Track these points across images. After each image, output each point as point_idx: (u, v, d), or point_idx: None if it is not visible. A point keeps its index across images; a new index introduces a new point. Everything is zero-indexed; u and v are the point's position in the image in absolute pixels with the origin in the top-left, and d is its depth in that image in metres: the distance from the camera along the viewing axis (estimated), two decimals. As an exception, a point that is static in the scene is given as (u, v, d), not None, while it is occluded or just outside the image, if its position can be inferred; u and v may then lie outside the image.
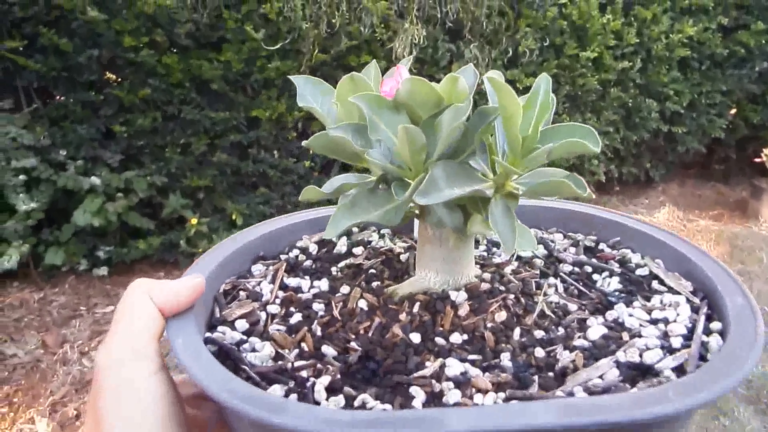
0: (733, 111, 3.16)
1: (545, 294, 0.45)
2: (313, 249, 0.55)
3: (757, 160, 3.22)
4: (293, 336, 0.41)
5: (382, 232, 0.58)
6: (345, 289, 0.47)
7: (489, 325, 0.42)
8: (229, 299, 0.46)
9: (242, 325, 0.42)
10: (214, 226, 2.29)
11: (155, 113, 2.15)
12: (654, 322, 0.43)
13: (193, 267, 0.46)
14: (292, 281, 0.49)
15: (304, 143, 0.43)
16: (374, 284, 0.47)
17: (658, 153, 3.19)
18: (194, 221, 2.21)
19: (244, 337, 0.41)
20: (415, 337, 0.41)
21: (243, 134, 2.30)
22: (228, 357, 0.37)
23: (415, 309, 0.43)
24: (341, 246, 0.55)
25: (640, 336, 0.41)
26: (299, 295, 0.47)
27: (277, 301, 0.46)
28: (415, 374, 0.37)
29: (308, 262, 0.53)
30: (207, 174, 2.28)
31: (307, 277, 0.49)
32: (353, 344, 0.40)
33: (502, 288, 0.46)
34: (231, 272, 0.49)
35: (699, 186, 3.35)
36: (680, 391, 0.31)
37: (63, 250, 2.01)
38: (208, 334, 0.40)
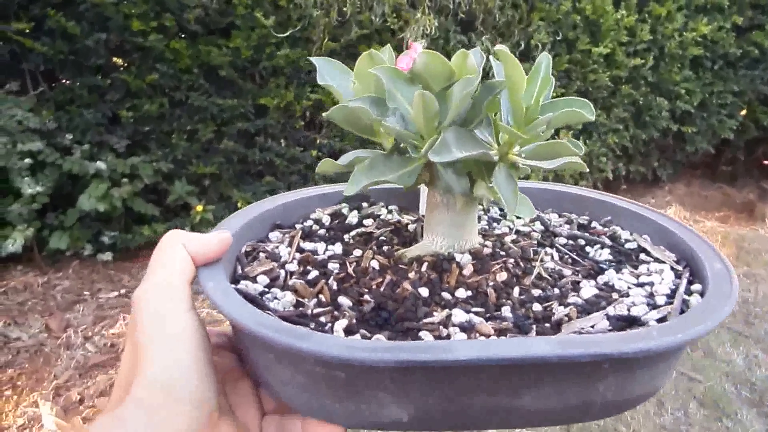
0: (744, 112, 3.14)
1: (542, 260, 0.49)
2: (326, 220, 0.58)
3: (766, 162, 3.19)
4: (312, 288, 0.44)
5: (389, 207, 0.62)
6: (357, 252, 0.50)
7: (491, 283, 0.45)
8: (249, 259, 0.49)
9: (263, 279, 0.45)
10: (220, 213, 2.28)
11: (162, 99, 2.13)
12: (641, 285, 0.47)
13: (218, 226, 0.49)
14: (308, 245, 0.52)
15: (325, 114, 0.45)
16: (385, 248, 0.51)
17: (667, 152, 3.17)
18: (200, 208, 2.20)
19: (266, 289, 0.44)
20: (424, 292, 0.44)
21: (250, 122, 2.28)
22: (253, 303, 0.39)
23: (423, 268, 0.47)
24: (352, 218, 0.59)
25: (628, 296, 0.45)
26: (315, 256, 0.50)
27: (295, 261, 0.49)
28: (424, 321, 0.40)
29: (322, 231, 0.56)
30: (213, 161, 2.26)
31: (322, 243, 0.52)
32: (367, 297, 0.43)
33: (503, 253, 0.50)
34: (251, 237, 0.52)
35: (706, 187, 3.33)
36: (663, 332, 0.34)
37: (67, 234, 2.00)
38: (233, 286, 0.41)
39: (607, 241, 0.54)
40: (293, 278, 0.46)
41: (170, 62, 2.08)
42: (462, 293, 0.44)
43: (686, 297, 0.43)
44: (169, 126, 2.19)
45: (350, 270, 0.47)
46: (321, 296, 0.43)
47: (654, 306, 0.43)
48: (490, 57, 0.46)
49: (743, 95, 3.01)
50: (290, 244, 0.52)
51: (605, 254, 0.52)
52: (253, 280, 0.45)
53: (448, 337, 0.38)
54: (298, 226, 0.56)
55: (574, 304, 0.43)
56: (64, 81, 2.10)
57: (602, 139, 2.79)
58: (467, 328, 0.39)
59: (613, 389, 0.35)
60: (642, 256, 0.52)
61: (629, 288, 0.46)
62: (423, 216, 0.59)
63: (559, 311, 0.42)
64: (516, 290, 0.45)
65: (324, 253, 0.51)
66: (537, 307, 0.43)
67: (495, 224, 0.58)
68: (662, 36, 2.68)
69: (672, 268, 0.49)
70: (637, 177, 3.14)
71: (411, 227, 0.55)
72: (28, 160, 1.85)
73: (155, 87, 2.13)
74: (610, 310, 0.42)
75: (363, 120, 0.44)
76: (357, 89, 0.47)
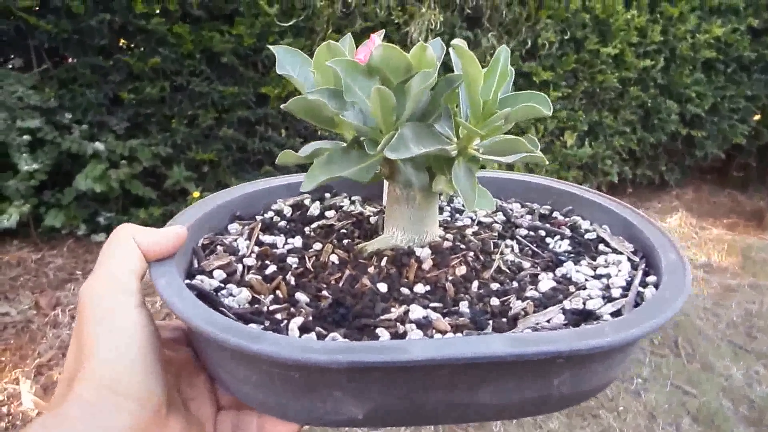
0: (757, 117, 3.07)
1: (502, 253, 0.50)
2: (288, 212, 0.58)
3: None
4: (269, 284, 0.43)
5: (353, 198, 0.61)
6: (317, 245, 0.50)
7: (450, 277, 0.45)
8: (206, 252, 0.48)
9: (219, 274, 0.44)
10: (217, 200, 2.27)
11: (164, 83, 2.13)
12: (598, 277, 0.47)
13: (174, 219, 0.47)
14: (267, 238, 0.51)
15: (283, 106, 0.44)
16: (345, 242, 0.50)
17: (675, 156, 3.11)
18: (196, 194, 2.20)
19: (222, 285, 0.43)
20: (382, 287, 0.44)
21: (251, 110, 2.27)
22: (207, 300, 0.38)
23: (383, 263, 0.46)
24: (314, 209, 0.58)
25: (584, 288, 0.45)
26: (274, 250, 0.49)
27: (253, 255, 0.48)
28: (381, 317, 0.40)
29: (283, 223, 0.55)
30: (212, 148, 2.26)
31: (282, 236, 0.52)
32: (325, 293, 0.42)
33: (463, 246, 0.50)
34: (209, 229, 0.51)
35: (715, 193, 3.26)
36: (616, 328, 0.35)
37: (63, 213, 2.01)
38: (187, 281, 0.41)
39: (567, 232, 0.55)
40: (250, 273, 0.45)
41: (173, 46, 2.08)
42: (420, 288, 0.44)
43: (641, 289, 0.44)
44: (170, 110, 2.19)
45: (309, 265, 0.46)
46: (278, 292, 0.43)
47: (609, 299, 0.43)
48: (450, 50, 0.45)
49: (757, 100, 2.94)
50: (249, 237, 0.51)
51: (564, 245, 0.53)
52: (209, 274, 0.44)
53: (405, 334, 0.38)
54: (258, 218, 0.55)
55: (532, 298, 0.43)
56: (68, 60, 2.11)
57: (608, 141, 2.75)
58: (424, 325, 0.39)
59: (569, 383, 0.35)
60: (601, 247, 0.52)
61: (586, 280, 0.47)
62: (386, 207, 0.58)
63: (516, 305, 0.42)
64: (475, 284, 0.45)
65: (283, 247, 0.50)
66: (495, 301, 0.43)
67: (458, 215, 0.58)
68: (674, 37, 2.63)
69: (629, 260, 0.49)
70: (644, 181, 3.08)
71: (373, 219, 0.55)
72: (27, 137, 1.86)
73: (157, 71, 2.13)
74: (566, 304, 0.42)
75: (323, 112, 0.44)
76: (317, 80, 0.46)
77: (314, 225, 0.54)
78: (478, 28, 2.43)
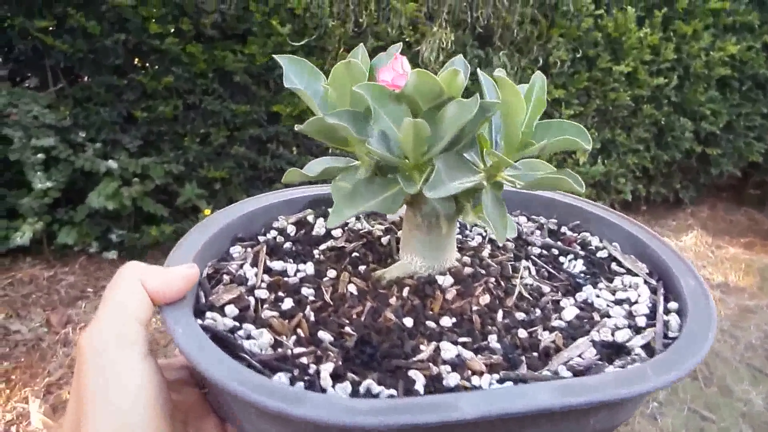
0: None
1: (522, 277, 0.49)
2: (291, 230, 0.55)
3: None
4: (288, 321, 0.41)
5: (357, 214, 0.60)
6: (332, 273, 0.47)
7: (475, 308, 0.44)
8: (213, 283, 0.45)
9: (231, 310, 0.42)
10: (228, 217, 2.28)
11: (177, 101, 2.15)
12: (619, 302, 0.47)
13: (178, 248, 0.45)
14: (275, 264, 0.49)
15: (298, 128, 0.42)
16: (360, 268, 0.48)
17: (690, 174, 3.07)
18: (207, 212, 2.20)
19: (237, 324, 0.41)
20: (408, 322, 0.42)
21: (263, 128, 2.28)
22: (224, 345, 0.36)
23: (405, 293, 0.45)
24: (319, 228, 0.55)
25: (609, 316, 0.45)
26: (286, 279, 0.47)
27: (264, 285, 0.46)
28: (413, 358, 0.38)
29: (288, 245, 0.52)
30: (224, 166, 2.27)
31: (291, 260, 0.49)
32: (348, 329, 0.40)
33: (483, 272, 0.48)
34: (213, 254, 0.49)
35: (731, 211, 3.21)
36: (657, 371, 0.35)
37: (76, 230, 2.02)
38: (199, 321, 0.39)
39: (580, 251, 0.54)
40: (266, 308, 0.43)
41: (186, 66, 2.10)
42: (447, 321, 0.42)
43: (666, 317, 0.43)
44: (183, 128, 2.21)
45: (327, 297, 0.44)
46: (299, 330, 0.41)
47: (636, 329, 0.43)
48: (478, 71, 0.45)
49: (773, 119, 2.91)
50: (256, 263, 0.48)
51: (579, 265, 0.52)
52: (221, 311, 0.42)
53: (439, 376, 0.37)
54: (261, 239, 0.53)
55: (559, 329, 0.43)
56: (83, 79, 2.14)
57: (621, 159, 2.72)
58: (458, 365, 0.38)
59: (604, 420, 0.36)
60: (614, 266, 0.52)
61: (608, 307, 0.46)
62: (392, 223, 0.57)
63: (544, 337, 0.42)
64: (500, 314, 0.44)
65: (295, 275, 0.48)
66: (522, 333, 0.42)
67: (467, 231, 0.57)
68: (687, 55, 2.61)
69: (646, 282, 0.48)
70: (658, 198, 3.05)
71: (384, 240, 0.53)
72: (41, 155, 1.88)
73: (170, 89, 2.15)
74: (595, 335, 0.42)
75: (339, 135, 0.43)
76: (332, 97, 0.44)
77: (323, 247, 0.52)
78: (489, 46, 2.43)
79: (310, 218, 0.57)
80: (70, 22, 1.93)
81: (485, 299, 0.45)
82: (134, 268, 0.37)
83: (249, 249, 0.50)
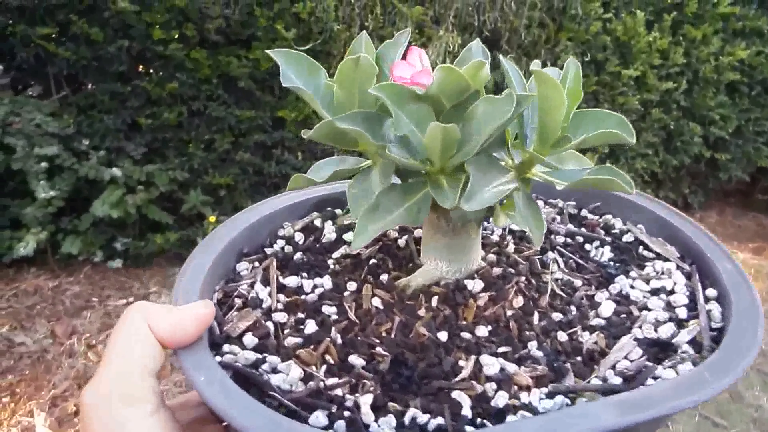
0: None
1: (552, 272, 0.46)
2: (299, 238, 0.51)
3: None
4: (315, 349, 0.38)
5: None
6: (352, 285, 0.45)
7: (509, 312, 0.42)
8: (225, 309, 0.42)
9: (251, 340, 0.39)
10: (233, 224, 2.26)
11: (181, 108, 2.13)
12: (655, 292, 0.45)
13: (183, 276, 0.42)
14: (289, 280, 0.46)
15: (306, 135, 0.39)
16: (382, 277, 0.45)
17: (699, 179, 3.05)
18: (212, 219, 2.18)
19: (260, 356, 0.38)
20: (442, 335, 0.39)
21: (267, 134, 2.26)
22: (250, 384, 0.34)
23: (434, 303, 0.42)
24: (329, 233, 0.52)
25: (647, 309, 0.43)
26: (303, 297, 0.44)
27: (280, 305, 0.43)
28: (455, 379, 0.36)
29: (299, 255, 0.49)
30: (229, 172, 2.25)
31: (305, 274, 0.46)
32: (379, 349, 0.38)
33: (512, 270, 0.46)
34: (220, 275, 0.46)
35: (739, 216, 3.19)
36: (715, 375, 0.33)
37: (80, 239, 2.00)
38: (218, 358, 0.36)
39: (605, 236, 0.52)
40: (287, 334, 0.40)
41: (190, 72, 2.08)
42: (482, 331, 0.40)
43: (706, 306, 0.42)
44: (187, 135, 2.19)
45: (351, 314, 0.41)
46: (328, 356, 0.38)
47: (677, 322, 0.41)
48: (503, 60, 0.42)
49: (782, 123, 2.88)
50: (267, 281, 0.45)
51: (607, 253, 0.50)
52: (239, 341, 0.39)
53: (485, 395, 0.35)
54: (268, 251, 0.50)
55: (598, 328, 0.41)
56: (87, 86, 2.12)
57: (630, 163, 2.70)
58: (503, 380, 0.36)
59: (650, 429, 0.36)
60: (643, 251, 0.50)
61: (645, 298, 0.44)
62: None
63: (585, 339, 0.40)
64: (536, 317, 0.42)
65: (313, 291, 0.45)
66: (562, 336, 0.41)
67: (485, 223, 0.54)
68: (697, 59, 2.58)
69: (678, 267, 0.47)
70: (667, 203, 3.02)
71: (401, 242, 0.50)
72: (44, 164, 1.86)
73: (175, 96, 2.13)
74: (637, 332, 0.40)
75: (352, 138, 0.40)
76: (339, 97, 0.41)
77: (337, 255, 0.49)
78: (496, 50, 2.40)
79: (317, 222, 0.54)
80: (73, 29, 1.90)
81: (519, 302, 0.43)
82: (141, 310, 0.34)
83: (257, 264, 0.48)
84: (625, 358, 0.38)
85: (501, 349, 0.39)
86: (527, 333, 0.40)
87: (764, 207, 3.24)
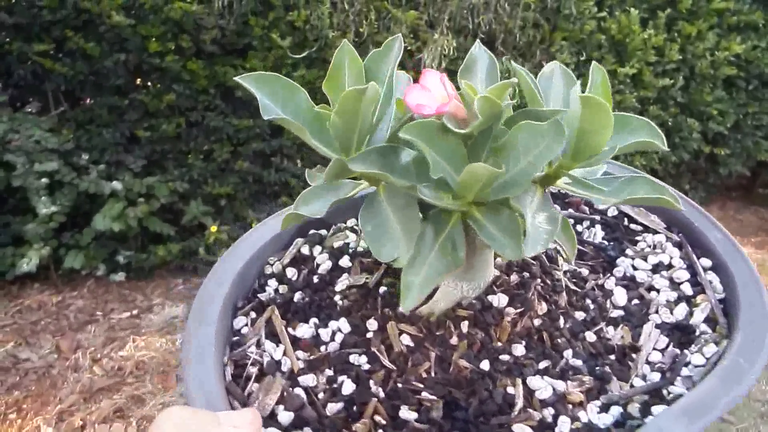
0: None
1: (561, 267, 0.47)
2: (292, 274, 0.48)
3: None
4: (362, 415, 0.35)
5: (355, 227, 0.53)
6: (372, 324, 0.42)
7: (537, 323, 0.42)
8: (241, 382, 0.39)
9: (287, 417, 0.35)
10: (234, 234, 2.27)
11: (179, 119, 2.14)
12: (656, 270, 0.46)
13: (187, 359, 0.37)
14: (301, 331, 0.42)
15: (312, 179, 0.38)
16: (400, 309, 0.43)
17: (699, 175, 3.05)
18: (214, 229, 2.19)
19: None
20: (484, 364, 0.38)
21: (266, 142, 2.27)
22: None
23: (464, 328, 0.41)
24: (322, 261, 0.49)
25: (656, 290, 0.45)
26: (323, 348, 0.40)
27: (301, 364, 0.40)
28: (514, 413, 0.35)
29: (298, 296, 0.45)
30: (229, 181, 2.26)
31: (315, 320, 0.43)
32: (426, 394, 0.36)
33: (527, 274, 0.46)
34: (223, 342, 0.42)
35: (741, 210, 3.18)
36: (746, 358, 0.34)
37: (83, 253, 2.01)
38: None
39: (591, 214, 0.53)
40: (323, 399, 0.36)
41: (187, 83, 2.09)
42: (519, 349, 0.40)
43: (709, 279, 0.44)
44: (186, 146, 2.20)
45: (385, 360, 0.39)
46: (377, 417, 0.36)
47: (686, 299, 0.43)
48: (520, 69, 0.42)
49: (781, 116, 2.88)
50: (274, 335, 0.41)
51: (599, 232, 0.51)
52: (274, 421, 0.35)
53: (546, 423, 0.35)
54: (262, 296, 0.45)
55: (620, 319, 0.43)
56: (85, 101, 2.12)
57: (629, 161, 2.70)
58: (557, 401, 0.36)
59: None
60: (629, 224, 0.51)
61: (650, 278, 0.46)
62: None
63: (611, 334, 0.41)
64: (561, 321, 0.43)
65: (332, 339, 0.41)
66: (591, 336, 0.41)
67: None
68: (692, 55, 2.58)
69: (668, 239, 0.48)
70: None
71: None
72: (45, 180, 1.87)
73: (172, 107, 2.14)
74: (655, 318, 0.43)
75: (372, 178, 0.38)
76: (336, 124, 0.38)
77: (340, 287, 0.45)
78: (491, 51, 2.40)
79: (305, 250, 0.50)
80: (69, 44, 1.91)
81: (543, 308, 0.43)
82: (172, 417, 0.29)
83: (256, 316, 0.44)
84: (655, 349, 0.39)
85: (542, 365, 0.39)
86: (559, 341, 0.41)
87: (766, 201, 3.24)
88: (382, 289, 0.45)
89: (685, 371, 0.37)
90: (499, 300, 0.43)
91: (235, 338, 0.42)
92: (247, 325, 0.43)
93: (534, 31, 2.39)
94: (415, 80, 0.41)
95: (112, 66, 1.98)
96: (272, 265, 0.49)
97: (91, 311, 1.97)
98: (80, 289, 2.07)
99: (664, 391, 0.38)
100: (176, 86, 2.07)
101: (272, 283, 0.47)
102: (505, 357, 0.39)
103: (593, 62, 0.41)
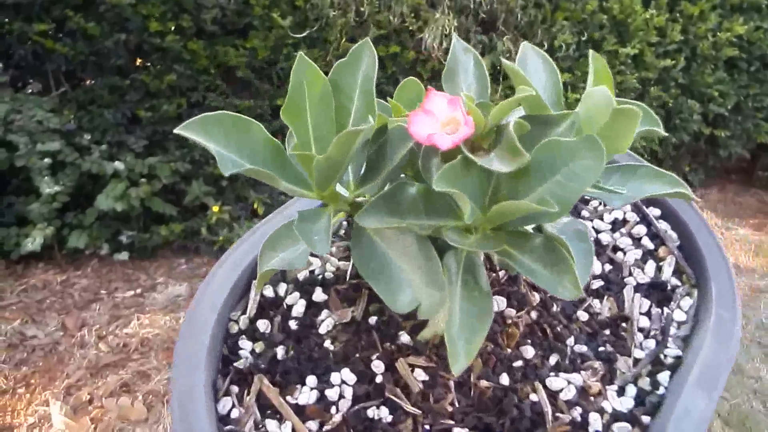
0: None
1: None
2: (265, 327, 0.41)
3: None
4: None
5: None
6: (378, 366, 0.37)
7: (534, 316, 0.42)
8: None
9: None
10: (236, 214, 2.28)
11: (180, 100, 2.14)
12: (614, 228, 0.47)
13: (179, 406, 0.33)
14: (303, 397, 0.36)
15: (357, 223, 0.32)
16: (402, 339, 0.38)
17: (699, 157, 3.05)
18: (216, 209, 2.20)
19: None
20: (503, 379, 0.37)
21: (267, 123, 2.27)
22: None
23: None
24: (293, 300, 0.43)
25: (621, 250, 0.46)
26: (333, 410, 0.35)
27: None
28: (548, 425, 0.35)
29: (281, 352, 0.39)
30: (230, 162, 2.27)
31: (311, 377, 0.37)
32: (458, 430, 0.34)
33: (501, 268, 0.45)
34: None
35: (740, 193, 3.19)
36: (726, 309, 0.37)
37: (86, 233, 2.03)
38: None
39: None
40: None
41: (188, 63, 2.09)
42: (528, 351, 0.39)
43: (659, 227, 0.46)
44: (187, 127, 2.20)
45: (407, 406, 0.35)
46: None
47: (651, 254, 0.44)
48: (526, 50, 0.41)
49: (782, 98, 2.87)
50: (274, 410, 0.35)
51: None
52: None
53: (576, 423, 0.35)
54: (240, 365, 0.38)
55: (603, 290, 0.43)
56: (86, 81, 2.13)
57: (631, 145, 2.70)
58: (580, 398, 0.36)
59: None
60: None
61: (612, 239, 0.47)
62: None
63: (600, 308, 0.42)
64: (554, 306, 0.43)
65: (341, 397, 0.36)
66: (583, 315, 0.42)
67: None
68: (694, 36, 2.57)
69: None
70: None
71: None
72: (47, 160, 1.88)
73: (173, 88, 2.14)
74: (631, 281, 0.43)
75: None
76: (321, 167, 0.33)
77: (325, 328, 0.40)
78: (492, 32, 2.39)
79: (269, 292, 0.44)
80: (70, 24, 1.91)
81: (534, 298, 0.43)
82: None
83: (240, 390, 0.37)
84: (641, 314, 0.41)
85: (552, 360, 0.39)
86: (559, 329, 0.41)
87: (765, 183, 3.25)
88: (373, 319, 0.39)
89: (673, 330, 0.39)
90: (498, 304, 0.42)
91: (228, 428, 0.35)
92: (234, 406, 0.36)
93: (535, 10, 2.38)
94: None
95: (113, 46, 1.97)
96: (237, 321, 0.41)
97: (96, 290, 2.00)
98: (84, 268, 2.09)
99: (661, 356, 0.39)
100: (177, 66, 2.07)
101: (245, 344, 0.40)
102: (518, 363, 0.38)
103: (591, 51, 0.39)
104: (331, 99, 0.34)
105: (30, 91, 2.00)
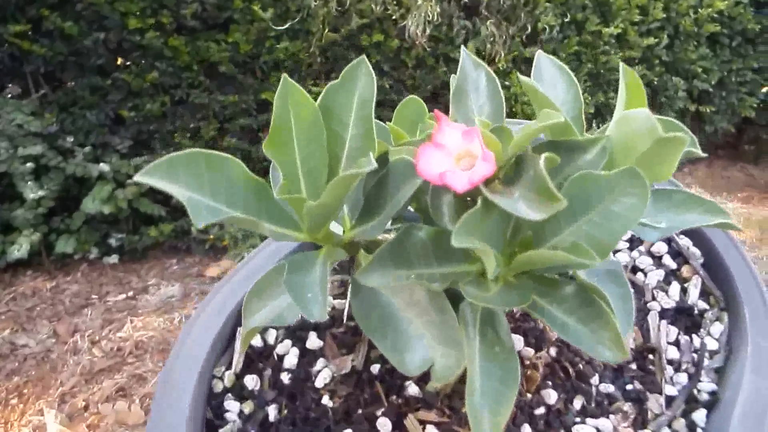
0: (765, 89, 3.02)
1: None
2: (253, 384, 0.36)
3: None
4: None
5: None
6: (385, 424, 0.33)
7: (553, 353, 0.38)
8: None
9: None
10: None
11: (164, 98, 2.10)
12: (632, 246, 0.44)
13: None
14: None
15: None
16: (409, 390, 0.34)
17: (685, 133, 3.07)
18: (205, 208, 2.18)
19: None
20: (525, 430, 0.33)
21: (253, 118, 2.24)
22: None
23: None
24: (284, 349, 0.38)
25: (642, 271, 0.42)
26: None
27: None
28: None
29: (273, 412, 0.34)
30: (217, 159, 2.24)
31: None
32: None
33: None
34: None
35: (727, 167, 3.22)
36: (763, 337, 0.34)
37: (74, 238, 1.99)
38: None
39: None
40: None
41: (169, 60, 2.05)
42: (551, 395, 0.35)
43: (680, 241, 0.42)
44: (172, 125, 2.17)
45: None
46: None
47: (674, 274, 0.41)
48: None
49: (764, 72, 2.90)
50: None
51: None
52: None
53: None
54: (226, 431, 0.34)
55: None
56: (66, 83, 2.08)
57: (616, 122, 2.71)
58: None
59: None
60: None
61: (632, 258, 0.44)
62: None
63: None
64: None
65: None
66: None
67: None
68: (676, 14, 2.58)
69: None
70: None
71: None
72: (30, 164, 1.84)
73: (156, 86, 2.10)
74: (655, 306, 0.39)
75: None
76: (313, 211, 0.30)
77: (322, 382, 0.35)
78: (476, 16, 2.38)
79: (256, 342, 0.40)
80: (47, 24, 1.86)
81: (553, 333, 0.39)
82: None
83: None
84: (669, 343, 0.36)
85: (577, 404, 0.35)
86: (581, 366, 0.37)
87: (752, 157, 3.28)
88: (376, 367, 0.35)
89: (705, 362, 0.35)
90: (515, 342, 0.37)
91: None
92: None
93: (518, -6, 2.37)
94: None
95: (92, 45, 1.93)
96: (222, 378, 0.36)
97: (87, 295, 1.96)
98: (74, 273, 2.05)
99: (694, 391, 0.35)
100: (159, 64, 2.03)
101: (231, 405, 0.35)
102: (540, 410, 0.34)
103: (621, 64, 0.36)
104: (322, 127, 0.29)
105: (9, 94, 1.95)
